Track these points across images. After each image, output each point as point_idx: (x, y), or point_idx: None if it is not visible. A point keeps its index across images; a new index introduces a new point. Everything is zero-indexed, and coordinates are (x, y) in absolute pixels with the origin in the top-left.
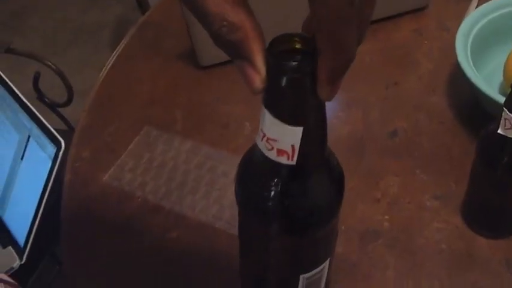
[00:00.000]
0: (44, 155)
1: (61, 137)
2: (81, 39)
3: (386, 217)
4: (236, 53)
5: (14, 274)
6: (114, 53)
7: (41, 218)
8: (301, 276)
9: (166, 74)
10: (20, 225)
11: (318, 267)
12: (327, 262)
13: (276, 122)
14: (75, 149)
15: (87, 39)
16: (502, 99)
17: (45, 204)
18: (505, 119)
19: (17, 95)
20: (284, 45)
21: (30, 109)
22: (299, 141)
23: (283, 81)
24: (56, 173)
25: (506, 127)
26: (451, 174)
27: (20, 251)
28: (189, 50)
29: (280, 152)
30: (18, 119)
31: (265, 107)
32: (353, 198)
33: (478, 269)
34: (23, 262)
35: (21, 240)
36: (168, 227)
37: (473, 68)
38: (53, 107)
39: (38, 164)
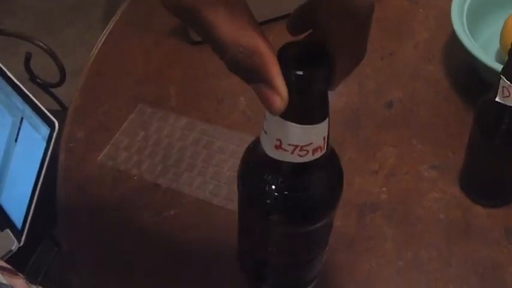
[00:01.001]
0: (38, 136)
1: (55, 117)
2: (74, 18)
3: (384, 189)
4: (253, 77)
5: (13, 257)
6: (105, 30)
7: (37, 199)
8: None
9: (158, 50)
10: (17, 207)
11: (313, 256)
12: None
13: (307, 128)
14: (69, 129)
15: (79, 18)
16: (499, 67)
17: (42, 185)
18: (503, 87)
19: (9, 76)
20: (294, 56)
21: (23, 90)
22: (327, 130)
23: (306, 93)
24: (51, 153)
25: (504, 95)
26: (448, 144)
27: (17, 234)
28: (182, 26)
29: (315, 150)
30: (10, 101)
31: (292, 121)
32: (350, 171)
33: (476, 238)
34: (21, 245)
35: (18, 223)
36: (165, 205)
37: (469, 36)
38: (45, 87)
39: (32, 145)
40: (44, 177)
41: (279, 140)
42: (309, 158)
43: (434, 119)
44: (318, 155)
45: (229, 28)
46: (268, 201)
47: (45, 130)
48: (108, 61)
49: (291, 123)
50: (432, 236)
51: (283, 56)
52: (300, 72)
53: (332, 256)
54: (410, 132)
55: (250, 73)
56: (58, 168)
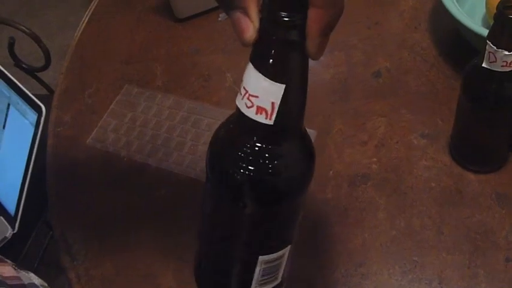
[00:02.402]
0: (26, 121)
1: (42, 102)
2: (56, 1)
3: (374, 159)
4: (231, 2)
5: (8, 243)
6: (87, 11)
7: (29, 185)
8: (259, 258)
9: (142, 29)
10: (9, 194)
11: (277, 251)
12: (287, 250)
13: (260, 77)
14: (56, 114)
15: (61, 0)
16: (485, 32)
17: (33, 170)
18: (489, 52)
19: None
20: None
21: (8, 77)
22: (279, 99)
23: (274, 34)
24: (40, 138)
25: (490, 60)
26: (438, 112)
27: (11, 220)
28: (164, 3)
29: (259, 109)
30: None
31: (252, 62)
32: (340, 143)
33: (468, 204)
34: (15, 231)
35: (11, 209)
36: (156, 184)
37: (455, 1)
38: (31, 72)
39: (20, 131)
40: (34, 163)
41: (244, 87)
42: (253, 114)
43: (422, 87)
44: (261, 118)
45: None
46: (235, 157)
47: (32, 115)
48: (91, 42)
49: (249, 63)
50: (424, 204)
51: None
52: (271, 9)
53: (325, 228)
54: (399, 102)
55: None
56: (47, 153)
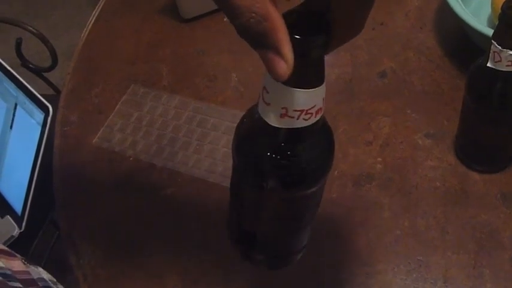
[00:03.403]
0: (33, 121)
1: (50, 102)
2: (62, 1)
3: (379, 159)
4: (262, 42)
5: (15, 242)
6: (94, 11)
7: (36, 184)
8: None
9: (149, 29)
10: (16, 193)
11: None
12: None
13: (312, 91)
14: (63, 113)
15: (68, 0)
16: (490, 32)
17: (39, 170)
18: (494, 52)
19: (0, 63)
20: (295, 23)
21: (15, 77)
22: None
23: (309, 58)
24: (47, 138)
25: (495, 60)
26: (442, 112)
27: (18, 220)
28: (171, 4)
29: (317, 112)
30: (3, 87)
31: (297, 87)
32: (345, 143)
33: (473, 204)
34: (22, 230)
35: (18, 209)
36: (162, 184)
37: (460, 1)
38: (38, 72)
39: (28, 131)
40: (41, 162)
41: (285, 108)
42: (312, 120)
43: (427, 87)
44: (319, 116)
45: None
46: (269, 168)
47: (39, 115)
48: (98, 43)
49: (296, 89)
50: (429, 204)
51: (287, 20)
52: (304, 38)
53: (330, 228)
54: (404, 102)
55: (259, 38)
56: (54, 152)
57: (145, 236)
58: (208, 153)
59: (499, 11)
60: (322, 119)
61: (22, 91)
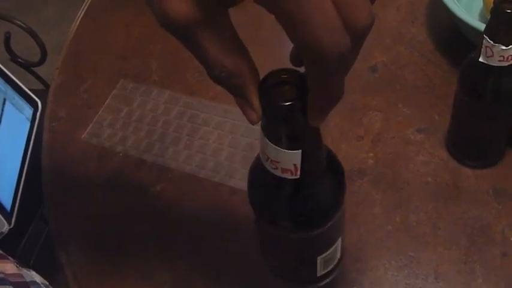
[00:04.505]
0: (22, 116)
1: (39, 97)
2: None
3: (371, 154)
4: (235, 93)
5: (4, 239)
6: (83, 5)
7: (25, 180)
8: (318, 258)
9: (138, 23)
10: (5, 189)
11: (332, 247)
12: (339, 240)
13: (277, 149)
14: (51, 108)
15: None
16: (482, 27)
17: (29, 166)
18: (486, 46)
19: None
20: (275, 82)
21: (4, 71)
22: (300, 161)
23: (277, 118)
24: (37, 133)
25: (487, 55)
26: (434, 106)
27: (7, 216)
28: None
29: (284, 170)
30: None
31: (265, 137)
32: (336, 138)
33: (465, 199)
34: (11, 226)
35: (7, 205)
36: (152, 180)
37: None
38: (27, 67)
39: (16, 126)
40: (30, 158)
41: (261, 144)
42: (280, 174)
43: (419, 82)
44: (289, 176)
45: (215, 50)
46: (276, 212)
47: (28, 110)
48: (87, 37)
49: (263, 135)
50: (420, 199)
51: (268, 80)
52: (268, 100)
53: None
54: (395, 96)
55: (231, 89)
56: (42, 148)
57: (135, 233)
58: (198, 148)
59: (491, 5)
60: (328, 164)
61: (11, 86)
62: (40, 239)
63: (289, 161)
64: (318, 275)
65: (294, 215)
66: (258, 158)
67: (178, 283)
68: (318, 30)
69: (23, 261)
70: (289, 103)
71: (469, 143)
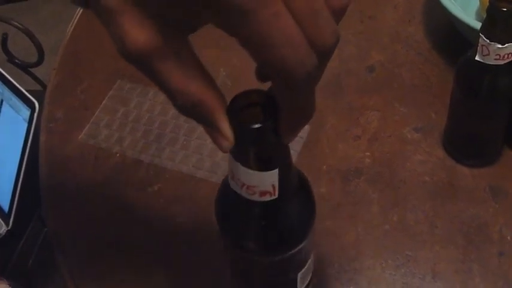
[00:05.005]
0: (19, 117)
1: (36, 98)
2: None
3: (368, 153)
4: (203, 122)
5: (2, 240)
6: None
7: (23, 181)
8: (299, 274)
9: None
10: (3, 191)
11: (310, 259)
12: (312, 254)
13: (252, 172)
14: (48, 109)
15: None
16: (478, 26)
17: (26, 167)
18: (482, 45)
19: None
20: (244, 105)
21: (0, 72)
22: (277, 180)
23: (252, 141)
24: (34, 134)
25: (483, 53)
26: (431, 105)
27: (5, 217)
28: None
29: (262, 193)
30: None
31: (238, 162)
32: (333, 137)
33: (462, 198)
34: (9, 228)
35: (5, 206)
36: (148, 180)
37: None
38: (24, 68)
39: (14, 127)
40: (28, 159)
41: (232, 172)
42: (257, 198)
43: (416, 81)
44: (267, 198)
45: (178, 78)
46: (245, 234)
47: (25, 111)
48: (84, 38)
49: (236, 162)
50: (417, 198)
51: (235, 104)
52: (239, 124)
53: (318, 223)
54: (392, 95)
55: (198, 119)
56: (39, 149)
57: (132, 233)
58: (195, 148)
59: (487, 4)
60: (299, 187)
61: (8, 87)
62: (38, 240)
63: (267, 182)
64: None
65: (282, 235)
66: (224, 189)
67: (176, 283)
68: (282, 50)
69: (22, 263)
70: (263, 124)
71: (466, 142)
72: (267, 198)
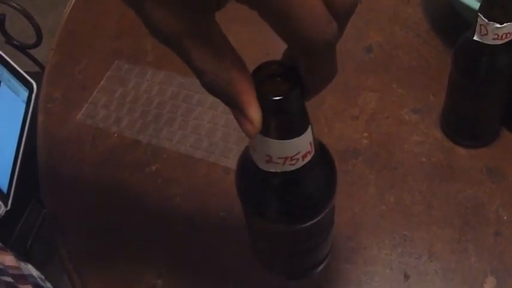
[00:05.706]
0: (18, 98)
1: (34, 79)
2: None
3: (365, 134)
4: (228, 103)
5: (1, 221)
6: None
7: (22, 162)
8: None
9: None
10: (2, 172)
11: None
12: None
13: (292, 141)
14: (46, 90)
15: None
16: (477, 5)
17: (25, 148)
18: (480, 24)
19: None
20: (268, 76)
21: None
22: (312, 135)
23: (282, 114)
24: (32, 115)
25: (481, 33)
26: (429, 87)
27: (4, 198)
28: None
29: (304, 156)
30: None
31: (276, 138)
32: (331, 117)
33: (459, 179)
34: (8, 208)
35: (4, 187)
36: (146, 160)
37: None
38: (23, 49)
39: (12, 108)
40: (26, 140)
41: (269, 155)
42: (300, 164)
43: (414, 62)
44: (308, 158)
45: (207, 58)
46: (270, 209)
47: (24, 92)
48: (82, 18)
49: (276, 140)
50: (414, 179)
51: (257, 77)
52: (272, 97)
53: None
54: (390, 76)
55: (224, 99)
56: (37, 129)
57: (130, 213)
58: (193, 129)
59: None
60: (319, 153)
61: (6, 68)
62: (37, 221)
63: (306, 142)
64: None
65: (321, 194)
66: (252, 171)
67: (175, 265)
68: (303, 22)
69: (20, 244)
70: (287, 95)
71: (464, 123)
72: (308, 158)
